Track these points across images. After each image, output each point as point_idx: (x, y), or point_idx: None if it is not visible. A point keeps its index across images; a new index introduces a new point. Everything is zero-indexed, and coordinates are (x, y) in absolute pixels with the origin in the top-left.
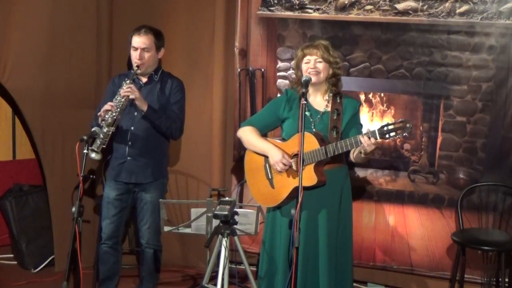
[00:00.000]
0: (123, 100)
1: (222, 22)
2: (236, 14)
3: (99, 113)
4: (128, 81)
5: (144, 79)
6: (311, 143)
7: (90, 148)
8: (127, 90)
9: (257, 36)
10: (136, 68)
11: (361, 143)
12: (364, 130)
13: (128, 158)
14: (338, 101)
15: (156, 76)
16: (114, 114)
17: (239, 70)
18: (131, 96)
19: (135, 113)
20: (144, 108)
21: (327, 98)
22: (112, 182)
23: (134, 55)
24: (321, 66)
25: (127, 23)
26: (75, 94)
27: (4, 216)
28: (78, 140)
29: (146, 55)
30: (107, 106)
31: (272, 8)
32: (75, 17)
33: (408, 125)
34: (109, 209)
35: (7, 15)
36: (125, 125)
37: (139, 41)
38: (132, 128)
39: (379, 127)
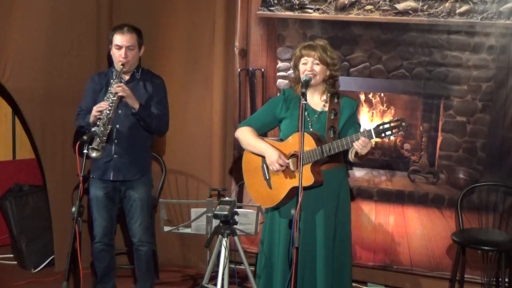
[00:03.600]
0: (114, 98)
1: (222, 22)
2: (236, 14)
3: (94, 114)
4: (115, 80)
5: (126, 77)
6: (308, 143)
7: (90, 146)
8: (118, 88)
9: (257, 36)
10: (121, 66)
11: (359, 147)
12: (362, 130)
13: (115, 156)
14: (336, 101)
15: (137, 74)
16: (109, 112)
17: (239, 70)
18: (122, 94)
19: (119, 111)
20: (136, 106)
21: (324, 98)
22: (98, 182)
23: (118, 54)
24: (318, 68)
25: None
26: (75, 94)
27: (4, 216)
28: (78, 140)
29: (131, 53)
30: (102, 105)
31: (272, 8)
32: (75, 17)
33: (404, 123)
34: (99, 208)
35: (7, 15)
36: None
37: (123, 39)
38: (118, 126)
39: (374, 126)
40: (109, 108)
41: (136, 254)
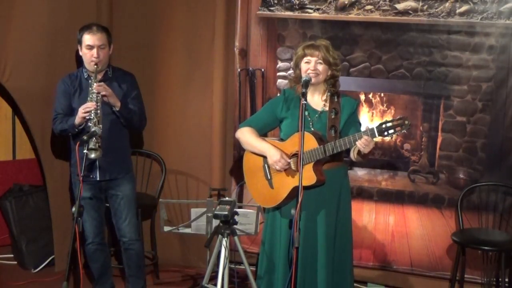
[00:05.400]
0: (98, 98)
1: (222, 22)
2: (236, 14)
3: (81, 116)
4: (95, 80)
5: (99, 76)
6: (310, 143)
7: (89, 148)
8: (99, 88)
9: (257, 36)
10: (95, 66)
11: (362, 146)
12: (363, 129)
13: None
14: (336, 100)
15: (110, 73)
16: (98, 112)
17: (239, 70)
18: (104, 93)
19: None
20: (118, 104)
21: (325, 97)
22: (83, 183)
23: (90, 54)
24: (321, 67)
25: (127, 23)
26: None
27: (4, 216)
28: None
29: (103, 52)
30: (89, 106)
31: (272, 8)
32: (75, 17)
33: (406, 122)
34: (87, 210)
35: (7, 15)
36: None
37: (94, 39)
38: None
39: (377, 124)
40: (97, 107)
41: (126, 253)
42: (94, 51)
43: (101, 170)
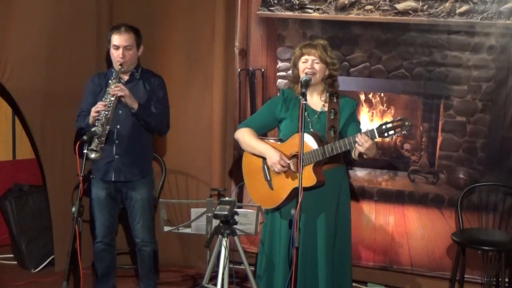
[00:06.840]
0: (113, 99)
1: (222, 22)
2: (236, 14)
3: (92, 115)
4: (114, 81)
5: (126, 77)
6: (309, 144)
7: (89, 148)
8: (116, 89)
9: (257, 36)
10: (119, 66)
11: (359, 143)
12: (362, 130)
13: (116, 156)
14: (335, 100)
15: (137, 74)
16: (107, 113)
17: (239, 70)
18: (121, 94)
19: (120, 112)
20: (135, 106)
21: (324, 98)
22: (100, 182)
23: (116, 54)
24: (318, 67)
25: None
26: (75, 94)
27: (4, 216)
28: (78, 140)
29: (129, 53)
30: (99, 106)
31: (272, 8)
32: (75, 17)
33: (406, 123)
34: (101, 209)
35: (7, 15)
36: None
37: (121, 39)
38: (118, 126)
39: (377, 125)
40: (107, 108)
41: (139, 254)
42: (120, 51)
43: (116, 171)
